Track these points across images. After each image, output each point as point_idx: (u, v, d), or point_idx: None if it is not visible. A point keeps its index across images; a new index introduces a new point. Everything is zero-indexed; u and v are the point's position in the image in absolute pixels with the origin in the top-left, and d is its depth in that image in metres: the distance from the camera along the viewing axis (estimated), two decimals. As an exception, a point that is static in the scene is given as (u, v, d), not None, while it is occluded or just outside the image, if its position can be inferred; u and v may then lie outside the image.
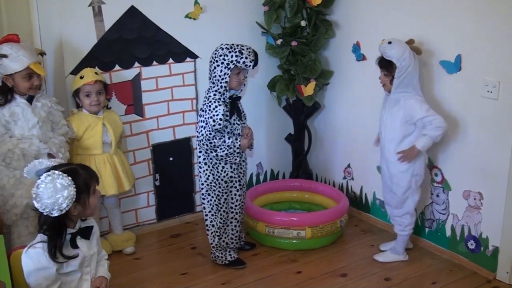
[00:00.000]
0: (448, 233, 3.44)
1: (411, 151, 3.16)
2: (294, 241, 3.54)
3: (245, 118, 3.28)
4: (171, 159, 3.85)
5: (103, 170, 3.24)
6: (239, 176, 3.28)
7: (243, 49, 3.03)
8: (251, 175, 4.23)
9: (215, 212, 3.27)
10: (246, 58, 3.02)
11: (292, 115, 4.18)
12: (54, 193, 2.09)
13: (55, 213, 2.11)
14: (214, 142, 3.09)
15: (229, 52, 3.02)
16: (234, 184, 3.28)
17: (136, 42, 3.54)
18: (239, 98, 3.19)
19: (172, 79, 3.74)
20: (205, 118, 3.09)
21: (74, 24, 3.32)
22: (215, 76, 3.07)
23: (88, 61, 3.39)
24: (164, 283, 3.22)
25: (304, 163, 4.26)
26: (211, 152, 3.13)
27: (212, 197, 3.24)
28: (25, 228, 2.99)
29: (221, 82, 3.05)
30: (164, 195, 3.87)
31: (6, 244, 2.42)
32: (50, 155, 2.91)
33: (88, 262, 2.31)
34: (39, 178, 2.12)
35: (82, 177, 2.20)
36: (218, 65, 3.04)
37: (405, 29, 3.37)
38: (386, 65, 3.13)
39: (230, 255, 3.37)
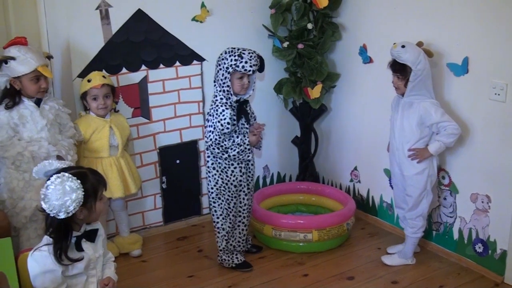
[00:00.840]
0: (456, 236, 3.42)
1: (424, 151, 3.16)
2: (301, 244, 3.53)
3: (255, 120, 3.28)
4: (178, 161, 3.86)
5: (109, 173, 3.25)
6: (247, 180, 3.28)
7: (243, 53, 2.99)
8: (258, 177, 4.23)
9: (225, 216, 3.27)
10: (246, 62, 2.98)
11: (298, 118, 4.17)
12: (62, 195, 2.08)
13: (62, 215, 2.11)
14: (225, 144, 3.08)
15: (229, 56, 3.00)
16: (242, 188, 3.27)
17: (143, 45, 3.55)
18: (247, 102, 3.18)
19: (179, 82, 3.75)
20: (213, 122, 3.08)
21: (82, 27, 3.34)
22: (219, 80, 3.06)
23: (95, 64, 3.40)
24: (170, 285, 3.23)
25: (310, 165, 4.25)
26: (223, 154, 3.11)
27: (223, 201, 3.24)
28: (34, 230, 3.00)
29: (223, 86, 3.05)
30: (171, 197, 3.87)
31: (14, 247, 2.43)
32: (59, 157, 2.91)
33: (94, 264, 2.30)
34: (48, 179, 2.12)
35: (91, 182, 2.20)
36: (220, 69, 3.04)
37: (411, 31, 3.36)
38: (400, 69, 3.11)
39: (237, 258, 3.37)
